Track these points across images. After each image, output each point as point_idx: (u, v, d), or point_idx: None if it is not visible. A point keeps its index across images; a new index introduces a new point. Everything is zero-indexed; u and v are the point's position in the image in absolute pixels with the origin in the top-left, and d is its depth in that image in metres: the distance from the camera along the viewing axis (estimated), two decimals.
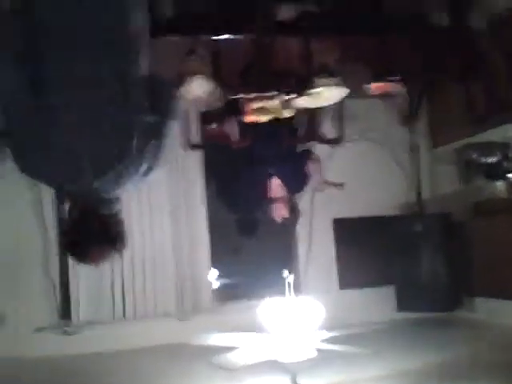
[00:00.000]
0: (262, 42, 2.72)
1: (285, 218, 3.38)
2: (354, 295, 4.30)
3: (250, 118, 2.89)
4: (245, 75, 2.84)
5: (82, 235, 1.83)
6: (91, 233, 1.82)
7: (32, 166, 1.79)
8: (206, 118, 3.35)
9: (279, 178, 3.30)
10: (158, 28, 2.28)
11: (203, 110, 3.16)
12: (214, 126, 3.24)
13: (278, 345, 2.63)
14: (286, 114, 2.93)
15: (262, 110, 2.82)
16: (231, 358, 2.60)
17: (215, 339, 2.80)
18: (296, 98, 2.74)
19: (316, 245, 4.34)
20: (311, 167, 3.34)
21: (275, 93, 2.74)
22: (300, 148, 3.52)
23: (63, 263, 3.88)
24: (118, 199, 1.85)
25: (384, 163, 4.39)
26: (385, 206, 4.37)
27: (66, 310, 3.90)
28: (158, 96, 1.80)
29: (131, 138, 1.70)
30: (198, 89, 2.56)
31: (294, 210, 3.41)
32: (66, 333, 3.78)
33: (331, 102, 2.84)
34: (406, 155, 4.36)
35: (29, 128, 1.73)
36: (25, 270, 3.80)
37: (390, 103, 3.99)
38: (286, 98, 2.79)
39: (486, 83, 3.45)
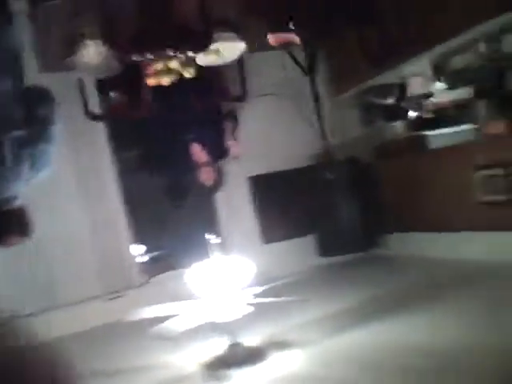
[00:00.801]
0: None
1: (214, 181, 3.37)
2: (277, 248, 4.41)
3: (151, 82, 2.77)
4: (139, 36, 2.70)
5: None
6: None
7: None
8: (104, 86, 3.18)
9: (199, 143, 3.26)
10: None
11: (99, 77, 2.99)
12: (113, 95, 3.09)
13: (211, 307, 2.63)
14: (188, 73, 2.84)
15: (162, 71, 2.71)
16: (167, 327, 2.58)
17: (148, 313, 2.75)
18: (196, 55, 2.65)
19: (236, 205, 4.38)
20: (231, 142, 3.34)
21: (174, 52, 2.64)
22: (222, 110, 3.49)
23: None
24: (14, 197, 1.95)
25: (290, 116, 4.45)
26: (296, 158, 4.47)
27: None
28: (32, 106, 1.90)
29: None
30: (91, 55, 2.40)
31: (219, 173, 3.41)
32: None
33: (232, 58, 2.79)
34: (310, 105, 4.43)
35: None
36: None
37: (290, 54, 4.01)
38: (186, 56, 2.69)
39: (378, 26, 3.55)
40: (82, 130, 3.67)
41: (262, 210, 4.50)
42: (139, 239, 4.25)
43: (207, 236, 2.56)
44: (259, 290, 2.78)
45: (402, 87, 4.21)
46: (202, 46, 2.64)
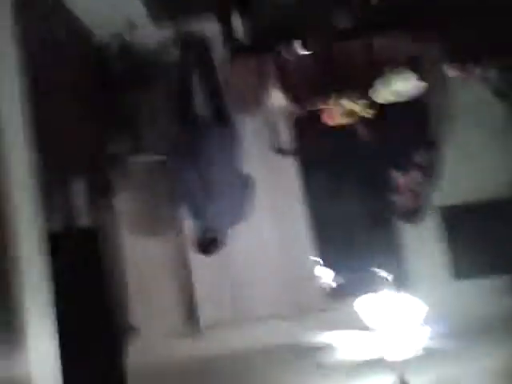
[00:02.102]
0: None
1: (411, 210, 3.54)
2: (468, 286, 4.18)
3: (336, 122, 3.02)
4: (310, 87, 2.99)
5: None
6: None
7: None
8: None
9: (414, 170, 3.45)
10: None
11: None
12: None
13: (383, 342, 2.71)
14: (367, 113, 3.01)
15: (348, 112, 2.93)
16: (337, 356, 2.73)
17: (324, 338, 2.95)
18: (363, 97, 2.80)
19: (424, 236, 4.29)
20: None
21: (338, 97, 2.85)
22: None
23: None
24: None
25: (493, 144, 4.22)
26: (496, 188, 4.20)
27: (192, 313, 4.29)
28: None
29: None
30: (277, 101, 2.75)
31: (423, 200, 3.56)
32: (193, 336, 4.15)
33: (410, 93, 2.85)
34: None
35: None
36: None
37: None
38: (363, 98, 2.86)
39: None
40: (276, 161, 4.12)
41: (454, 243, 4.32)
42: (326, 263, 4.47)
43: (375, 269, 2.66)
44: (433, 328, 2.76)
45: None
46: (364, 87, 2.78)
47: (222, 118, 3.72)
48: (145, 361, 3.48)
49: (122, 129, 3.84)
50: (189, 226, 3.96)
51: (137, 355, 3.45)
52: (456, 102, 4.07)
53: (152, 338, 3.95)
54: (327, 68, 2.89)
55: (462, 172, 4.19)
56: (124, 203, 4.01)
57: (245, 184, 3.74)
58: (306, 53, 2.92)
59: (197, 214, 3.65)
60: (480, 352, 2.92)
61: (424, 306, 2.69)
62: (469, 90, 4.03)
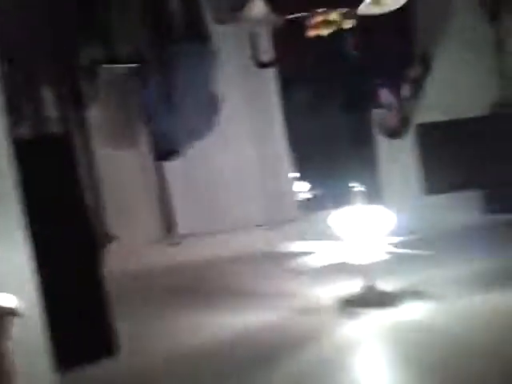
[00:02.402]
0: None
1: (394, 127, 3.56)
2: (439, 200, 4.31)
3: (312, 33, 2.93)
4: None
5: None
6: None
7: None
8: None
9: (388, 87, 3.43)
10: None
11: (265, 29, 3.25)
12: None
13: (352, 250, 2.83)
14: (347, 24, 2.93)
15: (323, 23, 2.84)
16: (307, 262, 2.86)
17: (296, 247, 3.07)
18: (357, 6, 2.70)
19: (398, 152, 4.35)
20: None
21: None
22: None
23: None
24: None
25: (470, 65, 4.17)
26: (471, 107, 4.22)
27: (169, 223, 4.39)
28: None
29: None
30: (256, 10, 2.65)
31: (404, 118, 3.58)
32: (171, 244, 4.28)
33: (395, 6, 2.76)
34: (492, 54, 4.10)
35: None
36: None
37: None
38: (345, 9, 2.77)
39: None
40: (255, 74, 4.02)
41: (427, 159, 4.40)
42: (302, 177, 4.56)
43: (350, 183, 2.72)
44: (401, 239, 2.88)
45: None
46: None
47: (197, 32, 3.61)
48: (123, 268, 3.58)
49: (93, 37, 3.69)
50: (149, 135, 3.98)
51: (115, 263, 3.55)
52: (443, 19, 3.98)
53: (130, 247, 4.05)
54: None
55: (440, 90, 4.18)
56: (95, 114, 3.95)
57: (212, 103, 3.72)
58: None
59: (157, 125, 3.68)
60: (446, 260, 3.09)
61: (395, 217, 2.78)
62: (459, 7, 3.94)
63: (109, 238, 3.93)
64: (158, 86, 3.60)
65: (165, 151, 3.83)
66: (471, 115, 4.18)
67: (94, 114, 3.99)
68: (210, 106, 3.77)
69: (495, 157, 4.15)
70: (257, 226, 4.24)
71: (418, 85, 3.79)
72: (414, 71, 3.73)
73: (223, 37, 3.86)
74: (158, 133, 3.83)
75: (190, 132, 3.78)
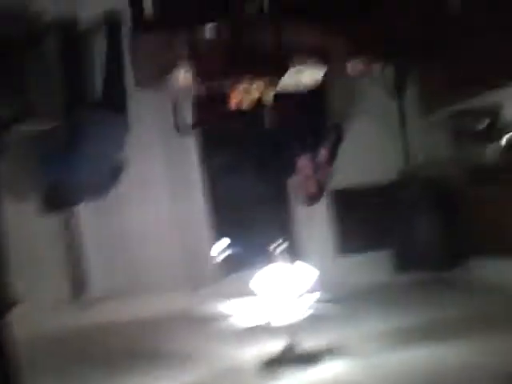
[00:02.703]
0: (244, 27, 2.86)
1: (312, 194, 3.74)
2: (352, 261, 4.51)
3: (233, 104, 3.07)
4: (231, 59, 3.00)
5: None
6: None
7: None
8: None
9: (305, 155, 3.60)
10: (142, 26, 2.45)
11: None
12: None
13: (272, 309, 2.85)
14: (269, 97, 3.10)
15: (245, 92, 2.98)
16: (231, 323, 2.83)
17: (216, 308, 3.04)
18: (279, 79, 2.88)
19: (314, 214, 4.53)
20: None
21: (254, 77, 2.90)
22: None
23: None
24: None
25: (376, 136, 4.54)
26: (379, 174, 4.54)
27: (81, 284, 4.16)
28: None
29: None
30: (180, 79, 2.73)
31: (321, 187, 3.76)
32: (82, 307, 4.04)
33: (312, 84, 2.98)
34: (396, 126, 4.51)
35: None
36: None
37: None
38: (268, 79, 2.93)
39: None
40: (176, 139, 4.11)
41: (342, 222, 4.62)
42: (220, 237, 4.58)
43: (268, 244, 2.79)
44: (321, 296, 2.95)
45: (494, 111, 4.11)
46: (279, 70, 2.85)
47: (114, 103, 3.66)
48: (32, 333, 3.33)
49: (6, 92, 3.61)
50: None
51: (22, 329, 3.30)
52: (354, 95, 4.34)
53: (38, 311, 3.79)
54: (238, 52, 2.91)
55: (353, 159, 4.47)
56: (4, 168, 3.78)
57: (113, 172, 3.76)
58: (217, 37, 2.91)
59: (53, 185, 3.65)
60: (363, 317, 3.19)
61: (315, 274, 2.87)
62: (368, 85, 4.32)
63: (12, 303, 3.64)
64: (60, 147, 3.58)
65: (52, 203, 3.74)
66: (382, 181, 4.51)
67: (3, 169, 3.81)
68: (112, 170, 3.77)
69: (403, 219, 4.46)
70: (175, 286, 4.15)
71: (331, 154, 4.07)
72: (328, 142, 4.03)
73: (145, 101, 3.93)
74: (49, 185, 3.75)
75: (84, 190, 3.73)
